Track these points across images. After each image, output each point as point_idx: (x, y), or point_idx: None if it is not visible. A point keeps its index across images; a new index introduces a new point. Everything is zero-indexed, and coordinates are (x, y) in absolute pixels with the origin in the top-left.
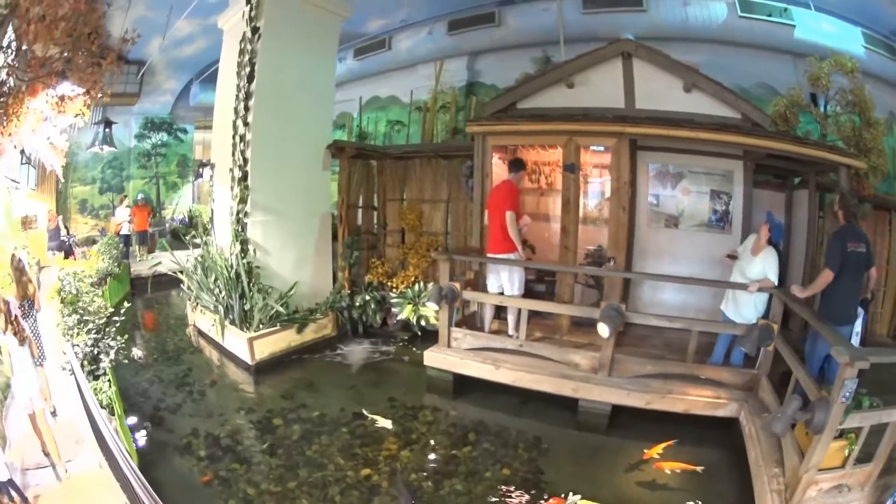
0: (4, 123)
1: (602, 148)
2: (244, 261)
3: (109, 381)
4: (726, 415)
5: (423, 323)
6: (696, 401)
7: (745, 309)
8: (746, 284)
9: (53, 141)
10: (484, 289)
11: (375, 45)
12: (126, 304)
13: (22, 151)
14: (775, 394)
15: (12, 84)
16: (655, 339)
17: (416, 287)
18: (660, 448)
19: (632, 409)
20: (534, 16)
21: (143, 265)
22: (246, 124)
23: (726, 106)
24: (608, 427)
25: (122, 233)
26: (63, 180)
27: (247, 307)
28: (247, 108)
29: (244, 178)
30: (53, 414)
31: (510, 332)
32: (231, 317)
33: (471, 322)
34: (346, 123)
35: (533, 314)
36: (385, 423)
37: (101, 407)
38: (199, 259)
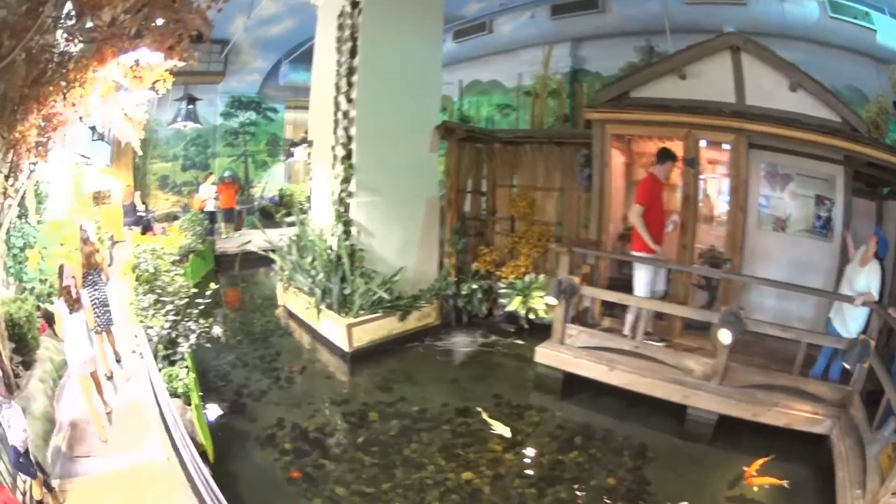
0: (66, 92)
1: (704, 143)
2: (346, 243)
3: (187, 367)
4: (820, 432)
5: (531, 316)
6: (797, 415)
7: (852, 322)
8: (853, 297)
9: (128, 112)
10: (600, 285)
11: (476, 27)
12: (213, 286)
13: (93, 128)
14: (866, 413)
15: (74, 50)
16: (757, 347)
17: (527, 278)
18: (758, 464)
19: (733, 419)
20: (637, 4)
21: (230, 242)
22: (349, 101)
23: (828, 108)
24: (712, 437)
25: (206, 209)
26: (140, 154)
27: (347, 291)
28: (350, 84)
29: (348, 156)
30: (109, 378)
31: (625, 331)
32: (328, 301)
33: (583, 318)
34: (446, 107)
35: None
36: (503, 430)
37: (176, 395)
38: (294, 239)
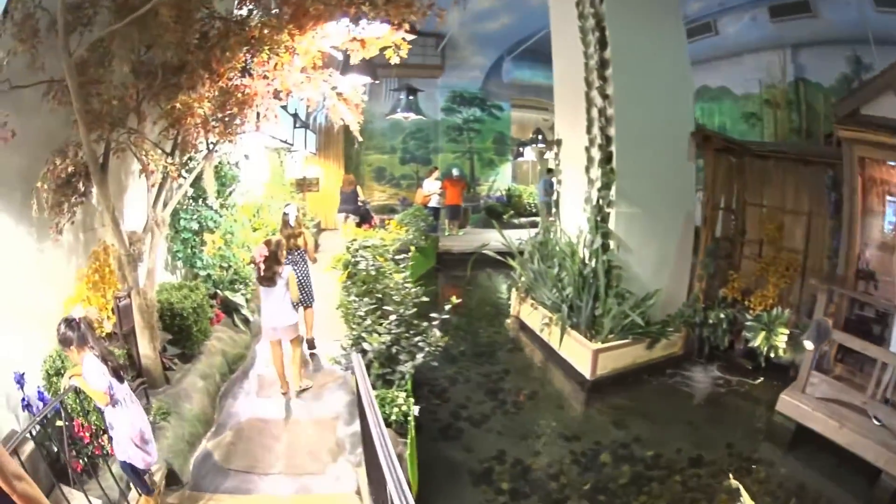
0: (250, 59)
1: None
2: (604, 258)
3: (406, 391)
4: None
5: (771, 354)
6: None
7: None
8: None
9: (343, 92)
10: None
11: (701, 28)
12: (454, 300)
13: (295, 115)
14: None
15: (257, 13)
16: None
17: (774, 311)
18: None
19: None
20: (841, 9)
21: (453, 240)
22: (605, 97)
23: None
24: None
25: (430, 205)
26: (360, 140)
27: (598, 312)
28: (603, 79)
29: (607, 159)
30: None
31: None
32: (575, 320)
33: (820, 364)
34: None
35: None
36: None
37: (387, 423)
38: (538, 245)
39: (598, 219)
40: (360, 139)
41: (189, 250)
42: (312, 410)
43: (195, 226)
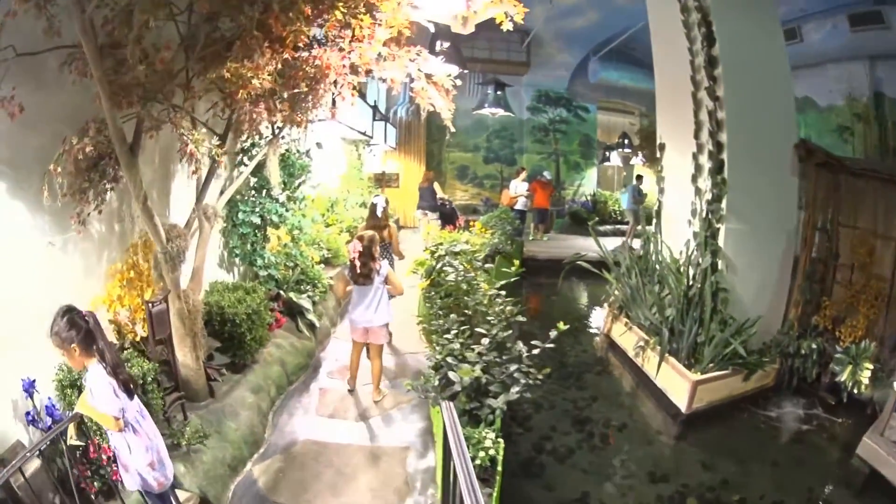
0: (318, 24)
1: None
2: (712, 278)
3: (496, 430)
4: None
5: (855, 390)
6: None
7: None
8: None
9: (435, 77)
10: None
11: (787, 33)
12: (561, 325)
13: (374, 107)
14: None
15: None
16: None
17: (862, 344)
18: None
19: None
20: None
21: (537, 246)
22: (715, 99)
23: None
24: None
25: (516, 207)
26: (452, 129)
27: (700, 339)
28: (713, 79)
29: (718, 169)
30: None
31: None
32: (675, 345)
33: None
34: None
35: None
36: None
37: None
38: (636, 260)
39: (708, 234)
40: (453, 129)
41: (248, 247)
42: (379, 436)
43: (256, 219)
